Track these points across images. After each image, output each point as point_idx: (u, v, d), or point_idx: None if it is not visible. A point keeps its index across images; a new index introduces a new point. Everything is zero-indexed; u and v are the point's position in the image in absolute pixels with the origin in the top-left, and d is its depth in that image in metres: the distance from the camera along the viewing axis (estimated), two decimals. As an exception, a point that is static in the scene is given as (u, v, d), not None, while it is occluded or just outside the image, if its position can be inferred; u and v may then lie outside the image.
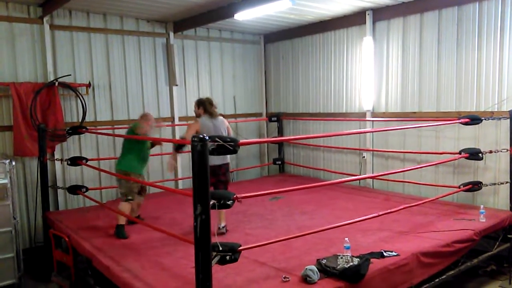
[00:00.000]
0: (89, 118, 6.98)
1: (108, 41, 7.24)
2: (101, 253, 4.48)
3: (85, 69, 7.01)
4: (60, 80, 6.58)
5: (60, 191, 6.71)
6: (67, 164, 6.28)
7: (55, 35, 6.70)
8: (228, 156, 5.35)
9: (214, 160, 5.03)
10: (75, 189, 6.23)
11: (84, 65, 7.01)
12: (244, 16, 6.52)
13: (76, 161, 6.23)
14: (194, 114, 8.19)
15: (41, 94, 6.41)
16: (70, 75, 6.76)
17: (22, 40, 6.41)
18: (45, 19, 6.49)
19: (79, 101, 6.83)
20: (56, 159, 6.58)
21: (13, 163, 5.51)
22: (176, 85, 7.93)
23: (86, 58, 7.03)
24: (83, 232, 5.20)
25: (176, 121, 7.96)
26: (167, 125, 7.81)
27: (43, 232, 6.11)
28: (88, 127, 6.51)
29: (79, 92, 6.80)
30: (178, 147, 5.37)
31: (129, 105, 7.50)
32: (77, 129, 6.34)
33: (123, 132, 7.19)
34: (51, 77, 6.57)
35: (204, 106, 5.40)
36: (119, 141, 7.26)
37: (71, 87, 6.71)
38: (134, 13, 7.18)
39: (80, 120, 6.84)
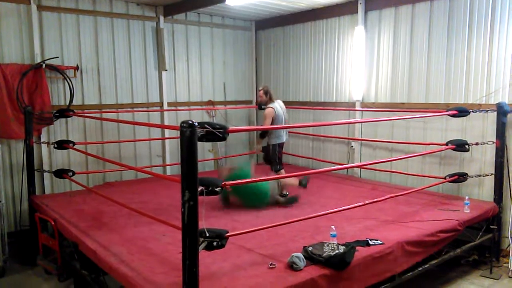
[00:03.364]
0: (76, 101, 6.90)
1: (97, 24, 7.12)
2: (88, 237, 4.47)
3: (73, 52, 6.90)
4: (47, 62, 6.47)
5: (46, 175, 6.64)
6: (54, 147, 6.23)
7: (42, 16, 6.57)
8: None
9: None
10: (61, 173, 6.18)
11: (72, 47, 6.89)
12: (235, 1, 6.46)
13: (62, 144, 6.18)
14: (183, 100, 8.30)
15: (28, 76, 6.31)
16: (57, 57, 6.65)
17: (9, 21, 6.26)
18: (32, 0, 6.35)
19: (66, 84, 6.73)
20: (43, 142, 6.50)
21: (-1, 145, 5.45)
22: (166, 70, 7.85)
23: (74, 40, 6.91)
24: (70, 216, 5.17)
25: (165, 106, 7.90)
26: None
27: (29, 215, 6.06)
28: (75, 111, 6.45)
29: (66, 75, 6.70)
30: (262, 134, 6.37)
31: (117, 89, 7.42)
32: (64, 112, 6.27)
33: (111, 116, 7.17)
34: (38, 59, 6.45)
35: (270, 93, 6.24)
36: (107, 125, 7.24)
37: (59, 70, 6.60)
38: (124, -5, 7.07)
39: (67, 103, 6.76)
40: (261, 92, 6.31)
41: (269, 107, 6.15)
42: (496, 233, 5.50)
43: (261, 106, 8.92)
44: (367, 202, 4.69)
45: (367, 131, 7.31)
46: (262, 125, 6.32)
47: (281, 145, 6.29)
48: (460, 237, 5.04)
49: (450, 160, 6.18)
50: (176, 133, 6.31)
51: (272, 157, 6.26)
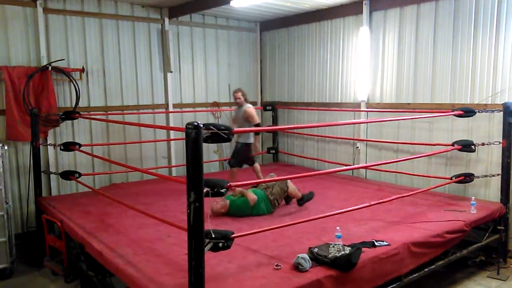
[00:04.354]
0: (82, 103, 6.93)
1: (102, 26, 7.15)
2: (94, 239, 4.48)
3: (78, 54, 6.94)
4: (53, 64, 6.51)
5: (53, 177, 6.68)
6: (60, 149, 6.27)
7: (48, 18, 6.61)
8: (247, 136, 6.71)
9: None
10: (68, 175, 6.22)
11: (77, 50, 6.93)
12: (240, 3, 6.47)
13: (69, 146, 6.21)
14: (188, 101, 8.30)
15: (34, 78, 6.35)
16: (63, 59, 6.69)
17: (15, 24, 6.31)
18: (38, 2, 6.39)
19: (72, 86, 6.76)
20: (49, 144, 6.54)
21: (6, 147, 5.48)
22: (171, 72, 7.88)
23: (80, 42, 6.95)
24: (76, 218, 5.19)
25: (171, 108, 7.92)
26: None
27: (36, 217, 6.09)
28: (81, 113, 6.48)
29: (72, 77, 6.73)
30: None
31: (123, 91, 7.45)
32: (70, 114, 6.32)
33: (117, 118, 7.21)
34: (44, 62, 6.49)
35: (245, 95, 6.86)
36: (113, 127, 7.27)
37: (65, 72, 6.64)
38: (129, -3, 7.10)
39: (73, 105, 6.79)
40: (240, 93, 6.77)
41: (250, 106, 6.80)
42: (503, 234, 5.46)
43: (265, 107, 8.98)
44: (373, 203, 4.68)
45: (372, 132, 7.29)
46: (254, 123, 6.62)
47: (250, 145, 6.79)
48: (466, 238, 5.02)
49: (456, 160, 6.15)
50: (182, 135, 6.33)
51: (244, 155, 6.75)
